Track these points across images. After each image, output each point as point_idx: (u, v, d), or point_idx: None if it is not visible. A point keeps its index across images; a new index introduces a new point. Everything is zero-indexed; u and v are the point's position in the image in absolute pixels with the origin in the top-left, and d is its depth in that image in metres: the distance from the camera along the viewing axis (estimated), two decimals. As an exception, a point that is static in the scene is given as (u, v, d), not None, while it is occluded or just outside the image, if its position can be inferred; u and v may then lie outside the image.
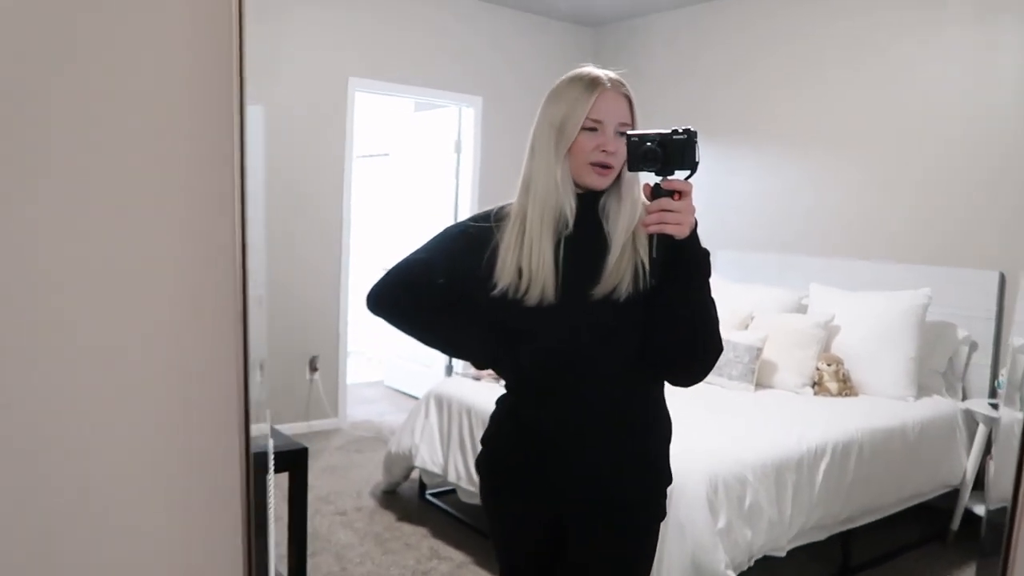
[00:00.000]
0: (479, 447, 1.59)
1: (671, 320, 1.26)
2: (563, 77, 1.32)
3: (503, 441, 1.43)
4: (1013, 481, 0.71)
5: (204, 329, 1.03)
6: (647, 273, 1.28)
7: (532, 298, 1.28)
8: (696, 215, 1.20)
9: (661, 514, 1.41)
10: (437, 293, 1.38)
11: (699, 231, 1.23)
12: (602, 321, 1.29)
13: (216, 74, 0.99)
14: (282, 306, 4.42)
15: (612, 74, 1.30)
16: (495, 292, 1.30)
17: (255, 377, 1.04)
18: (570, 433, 1.32)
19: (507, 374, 1.42)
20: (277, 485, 2.16)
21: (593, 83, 1.27)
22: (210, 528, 1.06)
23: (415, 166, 5.70)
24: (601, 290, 1.27)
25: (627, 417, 1.34)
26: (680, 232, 1.17)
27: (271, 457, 1.56)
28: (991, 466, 3.23)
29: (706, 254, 1.24)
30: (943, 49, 3.71)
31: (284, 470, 1.82)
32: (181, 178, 1.00)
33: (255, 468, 1.00)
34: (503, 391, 1.46)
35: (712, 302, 1.28)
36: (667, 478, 1.40)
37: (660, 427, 1.40)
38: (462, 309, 1.39)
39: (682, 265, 1.22)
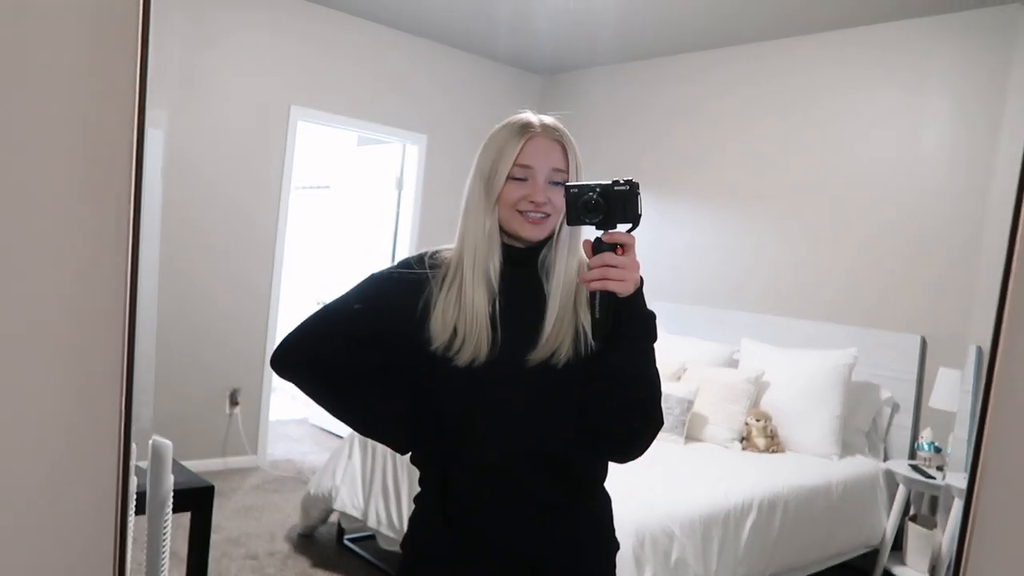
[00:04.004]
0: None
1: (607, 388, 1.14)
2: (497, 125, 1.24)
3: (429, 546, 1.25)
4: (956, 544, 0.70)
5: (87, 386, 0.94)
6: (588, 336, 1.17)
7: (464, 357, 1.16)
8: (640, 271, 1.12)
9: None
10: (359, 352, 1.22)
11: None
12: (539, 388, 1.17)
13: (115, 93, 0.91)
14: (205, 336, 4.24)
15: (547, 119, 1.22)
16: (429, 347, 1.18)
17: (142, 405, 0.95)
18: (504, 518, 1.19)
19: (428, 455, 1.26)
20: (179, 525, 2.01)
21: (522, 128, 1.19)
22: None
23: (356, 200, 5.61)
24: (539, 354, 1.16)
25: (563, 497, 1.21)
26: (624, 289, 1.08)
27: (170, 494, 1.44)
28: (910, 527, 3.28)
29: (651, 316, 1.14)
30: (875, 117, 3.87)
31: (186, 509, 1.69)
32: (70, 209, 0.94)
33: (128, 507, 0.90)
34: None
35: (656, 371, 1.17)
36: (615, 546, 1.29)
37: (602, 503, 1.29)
38: (386, 377, 1.24)
39: (624, 326, 1.12)
